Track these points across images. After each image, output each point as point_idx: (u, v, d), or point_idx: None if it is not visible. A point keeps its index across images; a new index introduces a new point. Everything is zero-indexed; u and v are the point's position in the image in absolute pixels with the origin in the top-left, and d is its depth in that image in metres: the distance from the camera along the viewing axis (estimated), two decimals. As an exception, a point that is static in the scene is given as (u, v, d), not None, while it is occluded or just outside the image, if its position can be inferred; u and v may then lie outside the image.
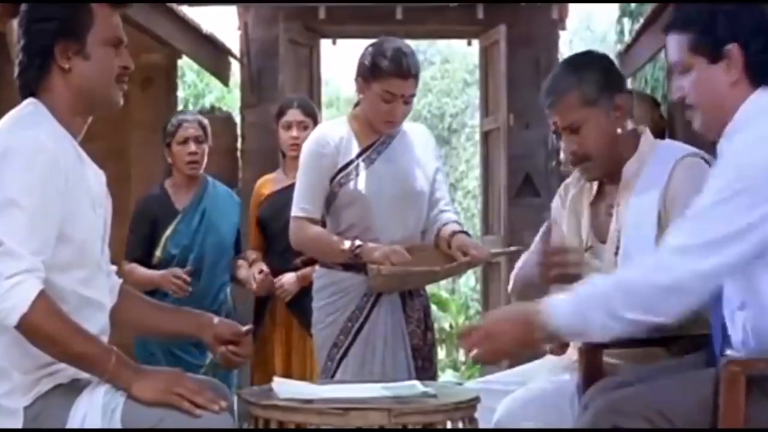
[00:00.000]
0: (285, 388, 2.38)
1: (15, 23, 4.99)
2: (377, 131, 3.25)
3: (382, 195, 3.18)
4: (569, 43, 9.64)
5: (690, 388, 2.07)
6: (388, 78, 3.12)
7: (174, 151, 4.24)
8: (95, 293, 2.23)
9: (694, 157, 2.58)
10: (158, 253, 4.18)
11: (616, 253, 2.59)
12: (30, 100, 2.23)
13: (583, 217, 2.75)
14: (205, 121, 4.35)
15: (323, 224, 3.28)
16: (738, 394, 1.96)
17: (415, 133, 3.35)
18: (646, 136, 2.70)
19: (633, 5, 8.34)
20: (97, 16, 2.23)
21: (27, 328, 2.04)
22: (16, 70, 2.26)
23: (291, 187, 3.47)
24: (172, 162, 4.27)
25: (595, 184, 2.75)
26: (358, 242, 3.13)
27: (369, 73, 3.16)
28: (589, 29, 20.85)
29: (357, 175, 3.19)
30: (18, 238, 2.05)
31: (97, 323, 2.22)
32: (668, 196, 2.53)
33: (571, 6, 7.61)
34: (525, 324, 2.18)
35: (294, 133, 4.26)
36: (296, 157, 3.49)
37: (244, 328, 2.46)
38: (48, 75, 2.23)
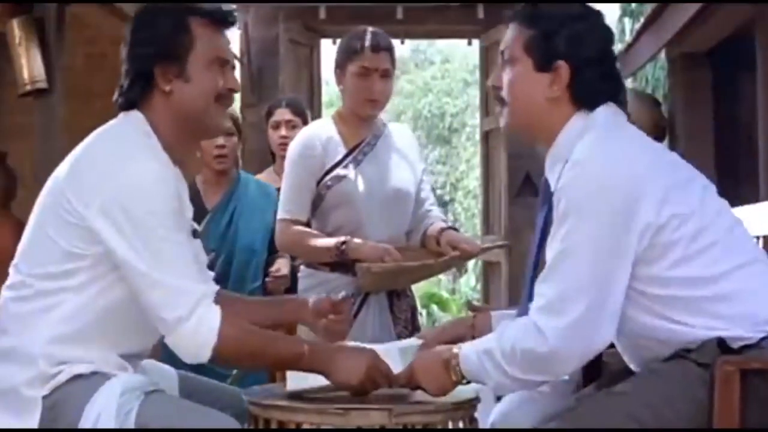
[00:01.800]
0: (297, 382, 2.37)
1: (15, 23, 5.03)
2: (361, 118, 3.24)
3: (370, 196, 3.17)
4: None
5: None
6: (360, 53, 3.16)
7: (202, 144, 3.94)
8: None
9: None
10: None
11: None
12: (136, 116, 2.22)
13: None
14: (236, 113, 4.16)
15: (309, 227, 3.25)
16: (733, 393, 1.96)
17: (399, 133, 3.36)
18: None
19: (633, 5, 8.33)
20: (198, 37, 2.21)
21: (221, 357, 2.11)
22: (116, 92, 2.25)
23: None
24: (201, 156, 4.00)
25: None
26: (343, 238, 3.10)
27: (343, 56, 3.21)
28: (590, 29, 20.80)
29: (344, 176, 3.18)
30: (176, 271, 2.08)
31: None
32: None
33: (572, 6, 7.60)
34: (444, 369, 2.19)
35: (283, 132, 4.24)
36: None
37: (340, 295, 2.50)
38: (150, 98, 2.22)
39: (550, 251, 2.06)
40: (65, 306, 2.12)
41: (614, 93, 2.18)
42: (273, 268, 3.87)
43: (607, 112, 2.15)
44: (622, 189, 2.00)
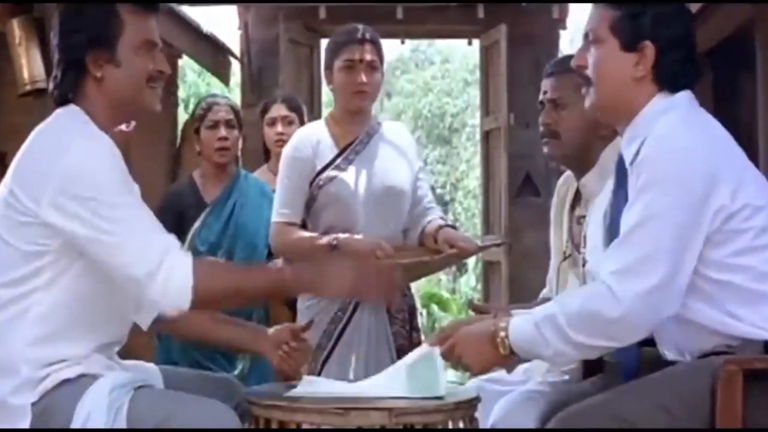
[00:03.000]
0: (307, 386, 2.37)
1: (15, 23, 5.02)
2: (353, 114, 3.24)
3: (362, 194, 3.16)
4: (570, 43, 9.66)
5: (644, 392, 2.05)
6: (345, 47, 3.18)
7: (203, 137, 3.90)
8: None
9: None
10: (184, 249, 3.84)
11: (584, 265, 2.50)
12: (71, 109, 2.25)
13: (564, 223, 2.74)
14: (238, 106, 4.11)
15: (305, 227, 3.24)
16: (735, 393, 1.96)
17: (393, 132, 3.34)
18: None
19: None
20: (127, 23, 2.24)
21: (202, 299, 2.10)
22: (51, 83, 2.29)
23: None
24: (201, 150, 3.92)
25: (572, 190, 2.73)
26: (335, 235, 3.10)
27: (329, 53, 3.23)
28: (590, 29, 20.82)
29: (335, 176, 3.17)
30: (136, 230, 2.10)
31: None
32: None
33: (572, 6, 7.62)
34: (489, 342, 2.16)
35: (279, 128, 4.19)
36: None
37: (303, 324, 2.46)
38: (83, 86, 2.25)
39: (626, 222, 2.07)
40: (37, 307, 2.12)
41: (694, 78, 2.22)
42: (272, 264, 3.85)
43: (689, 96, 2.19)
44: (702, 166, 2.03)
